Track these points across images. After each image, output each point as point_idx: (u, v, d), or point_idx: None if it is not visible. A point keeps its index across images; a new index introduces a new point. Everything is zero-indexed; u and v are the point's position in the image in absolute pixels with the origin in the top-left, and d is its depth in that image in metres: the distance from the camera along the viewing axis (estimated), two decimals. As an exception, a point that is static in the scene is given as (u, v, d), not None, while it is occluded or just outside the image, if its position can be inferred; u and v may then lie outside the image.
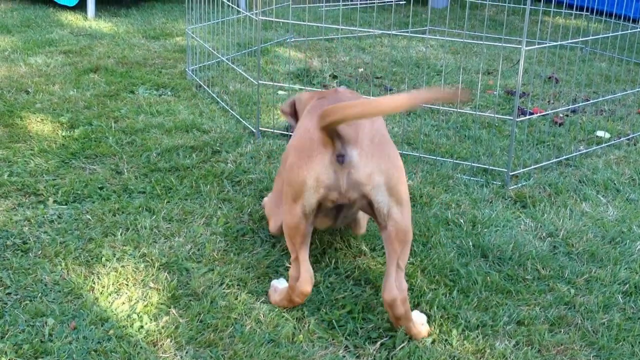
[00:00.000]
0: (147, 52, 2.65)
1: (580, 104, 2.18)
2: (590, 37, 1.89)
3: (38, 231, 1.35)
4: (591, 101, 2.17)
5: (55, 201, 1.47)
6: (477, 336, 1.12)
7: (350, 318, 1.15)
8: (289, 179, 1.07)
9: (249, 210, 1.47)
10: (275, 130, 1.91)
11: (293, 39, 2.94)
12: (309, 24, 2.03)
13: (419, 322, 1.11)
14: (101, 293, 1.17)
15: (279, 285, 1.19)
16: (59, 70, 2.35)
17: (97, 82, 2.25)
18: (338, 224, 1.18)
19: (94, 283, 1.19)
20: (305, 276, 1.10)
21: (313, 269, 1.28)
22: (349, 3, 3.52)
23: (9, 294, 1.16)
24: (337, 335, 1.11)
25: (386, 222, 1.05)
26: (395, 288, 1.07)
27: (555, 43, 1.78)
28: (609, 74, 2.58)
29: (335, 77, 2.46)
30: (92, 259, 1.27)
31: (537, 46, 1.80)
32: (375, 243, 1.38)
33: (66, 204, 1.46)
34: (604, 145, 1.96)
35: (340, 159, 1.02)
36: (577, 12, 2.71)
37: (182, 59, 2.58)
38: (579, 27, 3.06)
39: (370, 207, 1.07)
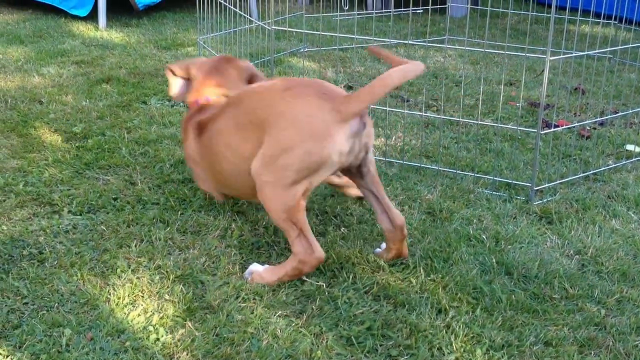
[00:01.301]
0: (159, 62, 2.75)
1: (609, 116, 2.20)
2: (619, 47, 1.92)
3: (54, 241, 1.42)
4: (620, 113, 2.19)
5: (70, 211, 1.54)
6: (503, 356, 1.14)
7: (369, 334, 1.18)
8: (300, 164, 1.21)
9: (264, 222, 1.52)
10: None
11: (307, 49, 3.03)
12: (322, 33, 2.10)
13: None
14: (117, 304, 1.22)
15: (258, 267, 1.31)
16: (72, 81, 2.45)
17: (110, 93, 2.34)
18: None
19: (110, 294, 1.25)
20: (316, 244, 1.26)
21: (330, 284, 1.32)
22: (364, 12, 3.61)
23: (26, 303, 1.22)
24: (356, 352, 1.14)
25: (368, 166, 1.31)
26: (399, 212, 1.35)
27: (581, 53, 1.82)
28: (639, 85, 2.60)
29: (350, 87, 2.53)
30: (107, 270, 1.33)
31: (562, 56, 1.84)
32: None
33: (81, 215, 1.53)
34: (634, 159, 1.97)
35: (362, 126, 1.25)
36: (605, 21, 2.75)
37: (195, 69, 2.67)
38: (607, 36, 3.10)
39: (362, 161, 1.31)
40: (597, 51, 1.89)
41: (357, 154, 1.25)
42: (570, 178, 1.82)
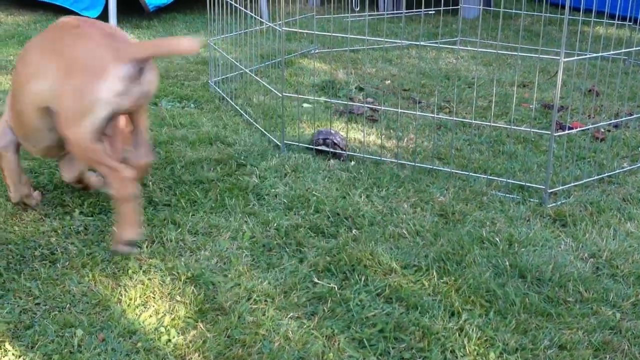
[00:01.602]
0: (169, 63, 2.77)
1: (623, 118, 2.19)
2: (634, 48, 1.91)
3: (65, 242, 1.43)
4: (635, 116, 2.18)
5: (81, 212, 1.55)
6: (516, 360, 1.14)
7: (381, 337, 1.18)
8: (81, 99, 1.23)
9: (275, 224, 1.53)
10: (300, 144, 1.98)
11: (317, 50, 3.04)
12: (333, 34, 2.10)
13: None
14: (128, 305, 1.23)
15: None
16: (83, 82, 2.48)
17: (120, 94, 2.37)
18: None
19: (121, 295, 1.26)
20: (118, 165, 1.29)
21: (342, 286, 1.32)
22: (375, 13, 3.62)
23: (38, 304, 1.24)
24: (368, 354, 1.14)
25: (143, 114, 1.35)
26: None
27: (595, 54, 1.81)
28: (655, 86, 2.58)
29: (361, 89, 2.53)
30: (118, 271, 1.34)
31: (576, 58, 1.83)
32: (407, 261, 1.41)
33: (92, 216, 1.55)
34: (650, 162, 1.96)
35: (139, 72, 1.25)
36: (619, 22, 2.73)
37: (205, 70, 2.69)
38: (621, 37, 3.07)
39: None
40: (611, 52, 1.88)
41: (136, 99, 1.26)
42: (584, 180, 1.81)
